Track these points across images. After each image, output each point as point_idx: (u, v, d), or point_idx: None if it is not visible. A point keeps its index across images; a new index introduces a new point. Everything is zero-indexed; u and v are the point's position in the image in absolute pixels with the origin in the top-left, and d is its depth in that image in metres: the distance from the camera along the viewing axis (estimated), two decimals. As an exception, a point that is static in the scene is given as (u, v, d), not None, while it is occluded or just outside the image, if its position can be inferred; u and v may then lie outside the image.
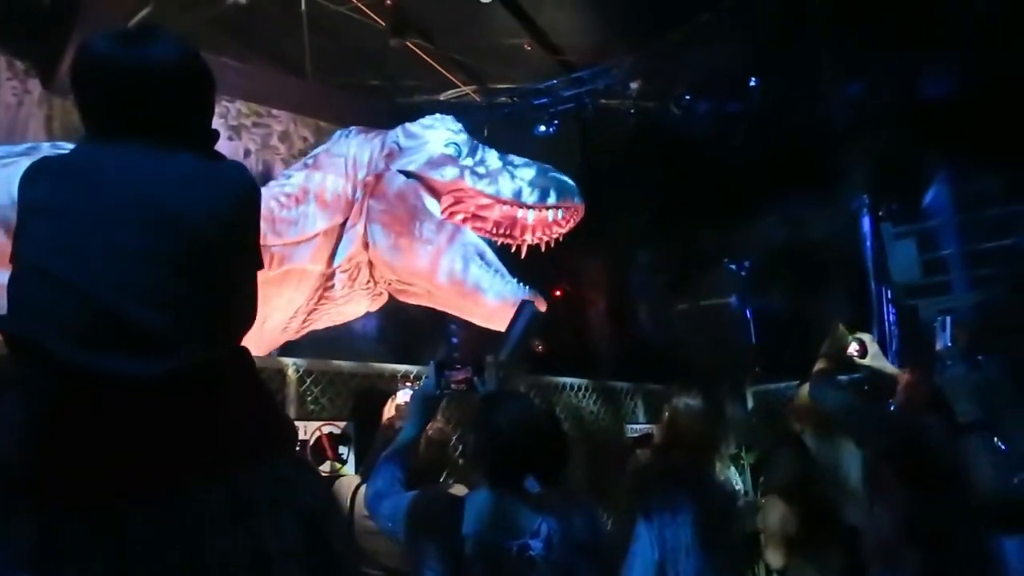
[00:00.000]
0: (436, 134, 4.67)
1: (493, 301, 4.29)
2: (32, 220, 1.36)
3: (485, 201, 4.44)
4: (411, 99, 8.92)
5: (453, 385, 2.24)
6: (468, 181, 4.47)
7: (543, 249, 4.59)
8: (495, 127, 8.89)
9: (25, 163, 3.40)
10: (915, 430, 2.60)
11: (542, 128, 8.57)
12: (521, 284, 4.37)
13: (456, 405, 3.35)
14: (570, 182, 4.59)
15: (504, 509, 2.09)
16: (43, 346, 1.25)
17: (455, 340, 7.52)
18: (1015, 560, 2.97)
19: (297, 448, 1.53)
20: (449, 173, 4.49)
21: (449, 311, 4.77)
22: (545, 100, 8.59)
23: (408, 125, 4.83)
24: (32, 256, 1.32)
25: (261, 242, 1.58)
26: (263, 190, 3.93)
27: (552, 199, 4.44)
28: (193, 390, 1.30)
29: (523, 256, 4.70)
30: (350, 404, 3.23)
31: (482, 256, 4.46)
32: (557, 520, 2.11)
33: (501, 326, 4.57)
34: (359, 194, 4.47)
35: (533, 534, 2.04)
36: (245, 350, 1.46)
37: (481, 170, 4.53)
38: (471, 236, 4.51)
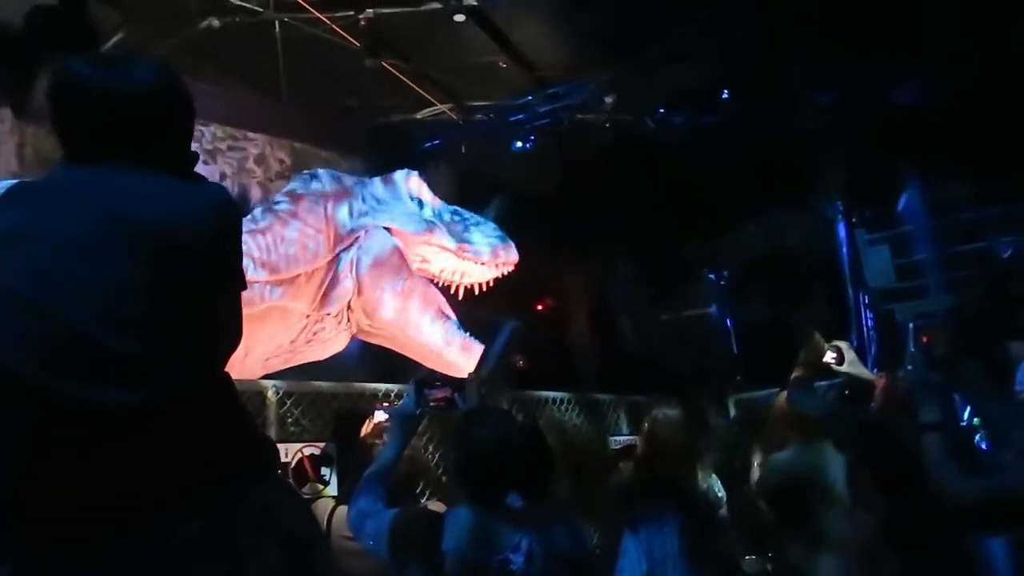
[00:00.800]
0: (407, 189, 5.08)
1: (453, 355, 4.72)
2: (5, 245, 1.32)
3: (446, 253, 4.96)
4: (387, 119, 8.96)
5: (432, 403, 2.24)
6: (436, 236, 4.93)
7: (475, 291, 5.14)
8: (473, 145, 8.94)
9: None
10: (891, 434, 2.62)
11: (519, 144, 8.62)
12: (476, 340, 4.80)
13: (436, 422, 3.35)
14: (503, 235, 5.18)
15: (484, 525, 2.09)
16: (17, 374, 1.22)
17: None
18: (1000, 561, 3.00)
19: (279, 472, 1.50)
20: (419, 227, 4.93)
21: (410, 356, 5.09)
22: (521, 116, 8.64)
23: (382, 180, 5.18)
24: (5, 281, 1.28)
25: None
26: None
27: (501, 257, 5.02)
28: (171, 416, 1.27)
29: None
30: (331, 425, 3.21)
31: (444, 311, 4.91)
32: (538, 535, 2.11)
33: (459, 374, 4.87)
34: (345, 245, 4.79)
35: (514, 549, 2.04)
36: (225, 374, 1.44)
37: (442, 224, 5.02)
38: (434, 292, 4.97)
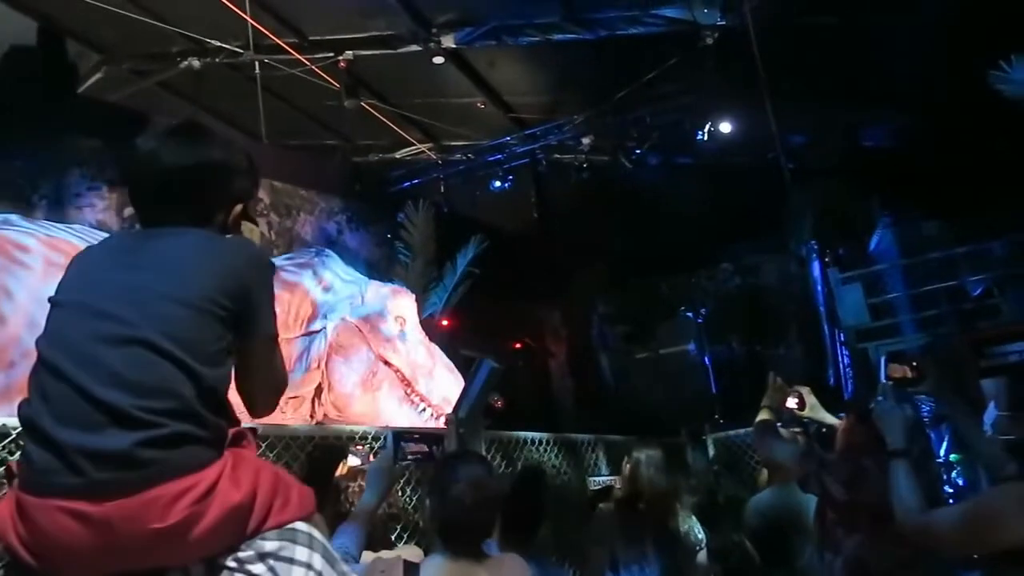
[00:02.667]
0: (394, 302, 4.94)
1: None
2: (49, 312, 1.49)
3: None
4: (366, 158, 9.01)
5: (410, 457, 2.20)
6: (401, 363, 4.77)
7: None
8: (451, 184, 9.01)
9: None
10: (853, 475, 2.64)
11: (497, 184, 8.70)
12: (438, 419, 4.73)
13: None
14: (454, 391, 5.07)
15: (460, 573, 2.06)
16: (38, 425, 1.34)
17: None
18: None
19: (294, 519, 1.47)
20: (391, 347, 4.78)
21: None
22: (499, 156, 8.74)
23: (375, 284, 5.09)
24: (40, 345, 1.43)
25: None
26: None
27: (446, 408, 4.78)
28: (152, 500, 1.30)
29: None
30: (305, 468, 3.16)
31: (408, 396, 4.79)
32: None
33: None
34: (316, 328, 4.67)
35: None
36: (226, 430, 1.45)
37: (412, 356, 4.86)
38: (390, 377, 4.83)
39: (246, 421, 1.63)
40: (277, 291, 1.71)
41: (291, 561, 1.40)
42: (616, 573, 3.23)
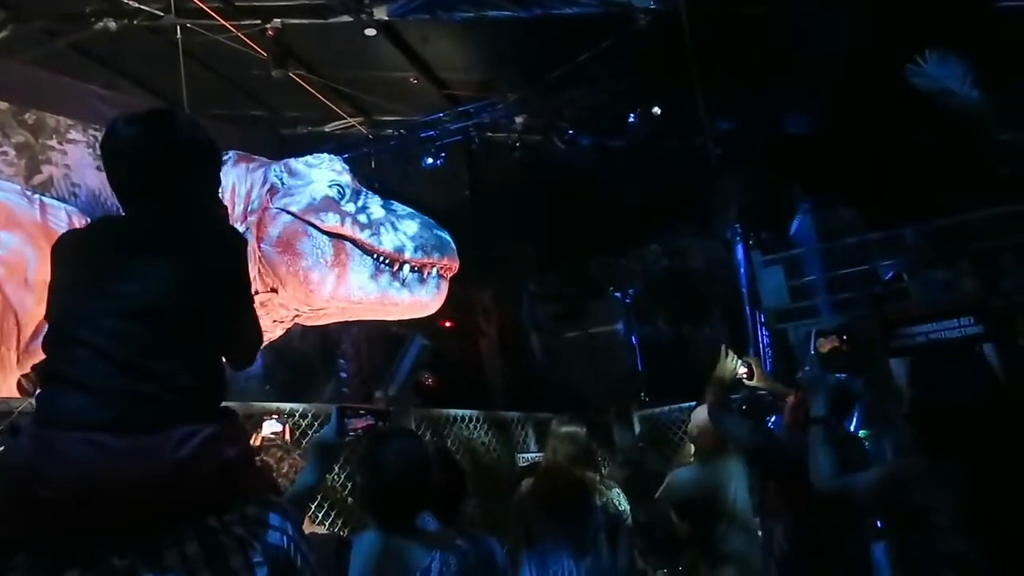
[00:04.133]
0: (320, 173, 4.63)
1: (406, 298, 4.45)
2: (53, 291, 1.65)
3: (364, 248, 4.50)
4: (295, 130, 8.78)
5: (352, 433, 2.16)
6: (348, 228, 4.47)
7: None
8: (382, 159, 8.87)
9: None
10: (799, 449, 2.75)
11: (429, 160, 8.62)
12: (418, 279, 4.49)
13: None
14: (447, 238, 4.72)
15: (392, 548, 2.05)
16: (68, 377, 1.49)
17: (344, 375, 7.37)
18: (881, 562, 3.22)
19: (271, 491, 1.64)
20: (331, 218, 4.48)
21: (366, 318, 4.77)
22: (432, 133, 8.65)
23: (291, 161, 4.76)
24: (57, 321, 1.60)
25: None
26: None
27: (431, 255, 4.57)
28: (178, 439, 1.44)
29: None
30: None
31: (378, 262, 4.50)
32: (449, 554, 2.09)
33: (420, 313, 4.59)
34: (244, 232, 4.30)
35: (424, 572, 2.01)
36: (220, 398, 1.64)
37: (363, 218, 4.55)
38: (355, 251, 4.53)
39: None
40: None
41: (268, 526, 1.52)
42: (530, 547, 3.27)
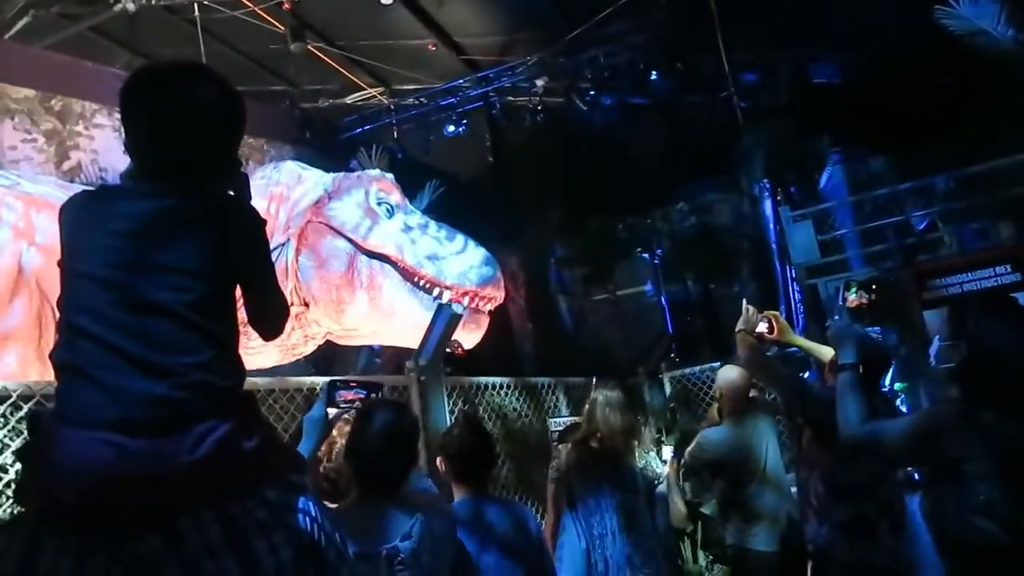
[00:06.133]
0: (369, 189, 4.52)
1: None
2: (62, 267, 1.58)
3: (404, 271, 4.37)
4: (316, 104, 8.78)
5: (343, 404, 2.21)
6: (392, 249, 4.34)
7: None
8: (404, 129, 8.85)
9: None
10: (832, 395, 2.75)
11: (451, 128, 8.58)
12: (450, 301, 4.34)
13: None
14: (490, 266, 4.51)
15: (373, 516, 2.10)
16: (79, 367, 1.46)
17: (376, 347, 7.45)
18: (916, 515, 3.22)
19: (296, 475, 1.63)
20: (375, 238, 4.36)
21: (399, 344, 4.64)
22: (453, 100, 8.60)
23: (343, 176, 4.66)
24: (66, 310, 1.54)
25: None
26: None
27: (471, 282, 4.39)
28: (200, 422, 1.43)
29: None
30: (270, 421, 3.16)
31: (417, 286, 4.38)
32: (435, 519, 2.13)
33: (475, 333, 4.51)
34: (280, 241, 4.23)
35: (405, 536, 2.05)
36: (241, 382, 1.61)
37: (407, 239, 4.41)
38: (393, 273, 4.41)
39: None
40: None
41: (291, 508, 1.52)
42: (573, 510, 3.32)
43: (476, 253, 4.49)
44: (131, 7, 6.47)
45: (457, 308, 4.21)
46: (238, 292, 1.67)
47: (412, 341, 4.23)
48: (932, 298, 5.80)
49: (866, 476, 2.99)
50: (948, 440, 2.02)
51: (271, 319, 1.79)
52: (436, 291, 4.32)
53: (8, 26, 6.16)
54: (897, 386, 5.07)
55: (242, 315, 1.70)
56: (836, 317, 2.90)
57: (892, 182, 7.43)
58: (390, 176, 4.76)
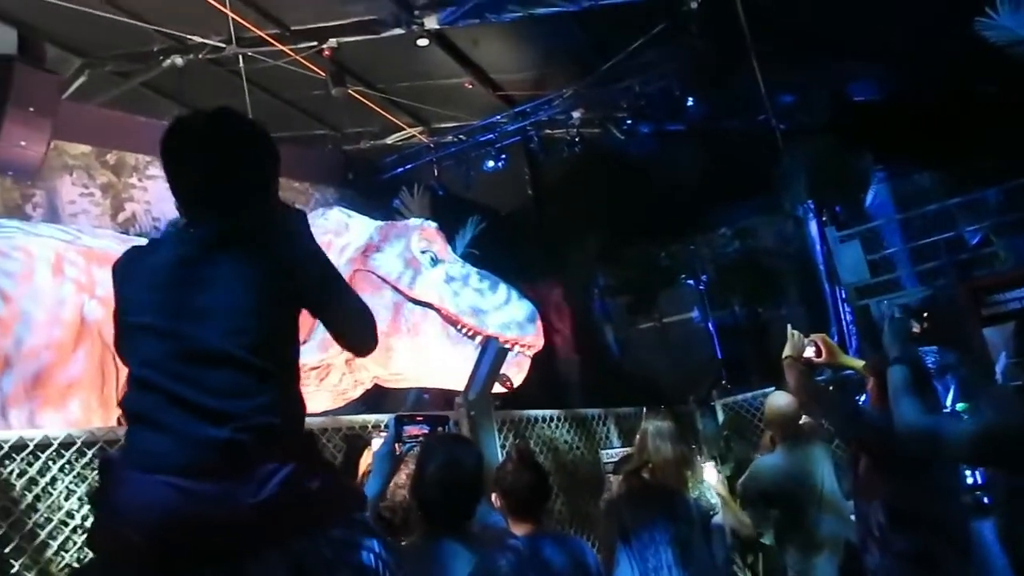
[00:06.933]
0: (414, 239, 4.65)
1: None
2: (117, 322, 1.64)
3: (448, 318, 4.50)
4: (357, 145, 8.97)
5: (409, 440, 2.21)
6: (436, 298, 4.49)
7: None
8: (444, 166, 8.97)
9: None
10: (887, 421, 2.67)
11: (490, 163, 8.66)
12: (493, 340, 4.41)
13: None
14: (532, 314, 4.64)
15: (437, 553, 2.10)
16: (146, 417, 1.51)
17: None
18: (989, 540, 3.08)
19: (361, 515, 1.66)
20: (419, 286, 4.50)
21: (441, 387, 4.74)
22: (491, 136, 8.70)
23: (388, 224, 4.83)
24: (130, 363, 1.59)
25: None
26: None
27: (511, 333, 4.51)
28: (265, 462, 1.46)
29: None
30: (342, 462, 3.19)
31: (460, 332, 4.50)
32: (502, 554, 2.11)
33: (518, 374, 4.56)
34: None
35: (473, 573, 2.04)
36: (302, 421, 1.65)
37: (450, 288, 4.55)
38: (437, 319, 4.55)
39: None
40: None
41: (355, 546, 1.55)
42: (626, 541, 3.27)
43: (519, 306, 4.59)
44: (179, 62, 6.73)
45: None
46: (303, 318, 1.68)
47: (455, 384, 4.33)
48: (992, 314, 5.64)
49: (930, 503, 2.88)
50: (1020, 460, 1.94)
51: (354, 334, 1.78)
52: (479, 339, 4.42)
53: (66, 86, 6.44)
54: (959, 406, 4.91)
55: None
56: (893, 314, 2.80)
57: (940, 197, 7.27)
58: (433, 225, 4.87)
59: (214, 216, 1.62)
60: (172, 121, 1.69)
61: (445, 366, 4.42)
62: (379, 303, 4.35)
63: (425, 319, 4.43)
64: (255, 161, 1.71)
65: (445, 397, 4.73)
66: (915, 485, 2.79)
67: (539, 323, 4.69)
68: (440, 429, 2.28)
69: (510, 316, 4.50)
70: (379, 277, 4.45)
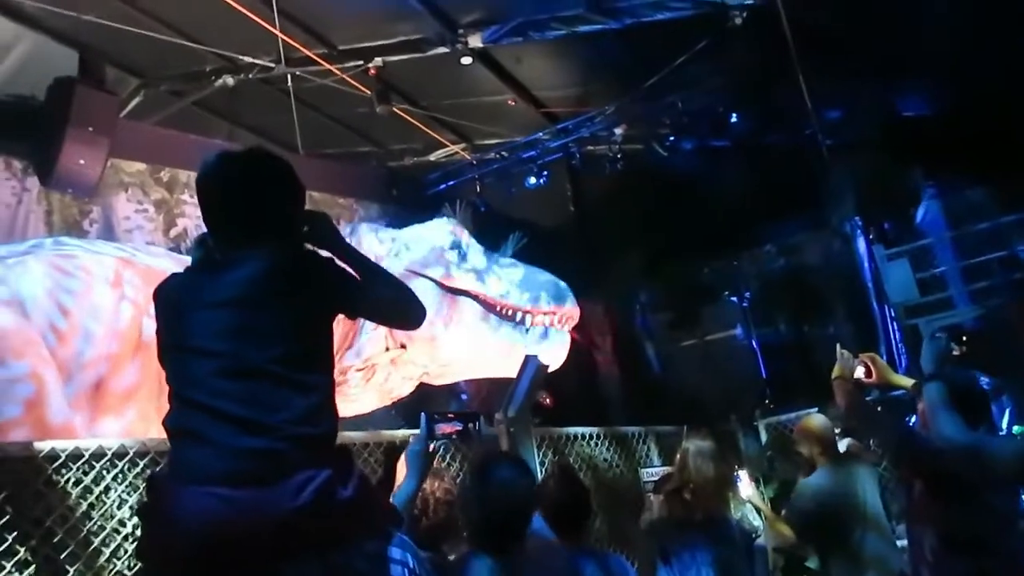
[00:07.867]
0: (438, 234, 4.80)
1: (532, 349, 4.46)
2: (160, 344, 1.78)
3: (486, 303, 4.62)
4: (402, 162, 9.10)
5: (441, 436, 2.23)
6: (470, 284, 4.61)
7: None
8: (487, 183, 9.04)
9: (31, 261, 3.49)
10: (939, 444, 2.60)
11: (533, 180, 8.69)
12: (542, 330, 4.56)
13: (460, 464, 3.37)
14: (565, 288, 4.78)
15: (493, 572, 2.10)
16: (189, 432, 1.61)
17: (464, 396, 7.53)
18: None
19: (394, 528, 1.76)
20: (453, 274, 4.62)
21: (493, 374, 4.83)
22: (533, 152, 8.73)
23: (414, 228, 4.97)
24: (172, 382, 1.72)
25: None
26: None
27: (548, 305, 4.63)
28: (300, 473, 1.54)
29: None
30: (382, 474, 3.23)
31: (501, 315, 4.60)
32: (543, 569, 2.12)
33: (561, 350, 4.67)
34: None
35: None
36: (335, 429, 1.72)
37: (482, 274, 4.67)
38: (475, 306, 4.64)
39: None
40: None
41: (389, 560, 1.64)
42: (667, 562, 3.23)
43: (551, 282, 4.73)
44: (230, 82, 6.93)
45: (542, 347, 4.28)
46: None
47: (503, 370, 4.49)
48: (1047, 335, 5.47)
49: (985, 527, 2.80)
50: None
51: (394, 317, 1.97)
52: (519, 316, 4.55)
53: (123, 105, 6.67)
54: (1016, 429, 4.76)
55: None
56: (933, 334, 2.76)
57: (993, 214, 7.08)
58: (454, 220, 5.02)
59: (243, 243, 1.76)
60: (203, 162, 1.87)
61: (491, 351, 4.53)
62: (421, 295, 4.41)
63: (465, 307, 4.55)
64: (278, 195, 1.86)
65: (485, 410, 4.75)
66: (969, 509, 2.72)
67: (570, 293, 4.78)
68: (471, 426, 2.30)
69: (544, 290, 4.61)
70: (412, 272, 4.53)
